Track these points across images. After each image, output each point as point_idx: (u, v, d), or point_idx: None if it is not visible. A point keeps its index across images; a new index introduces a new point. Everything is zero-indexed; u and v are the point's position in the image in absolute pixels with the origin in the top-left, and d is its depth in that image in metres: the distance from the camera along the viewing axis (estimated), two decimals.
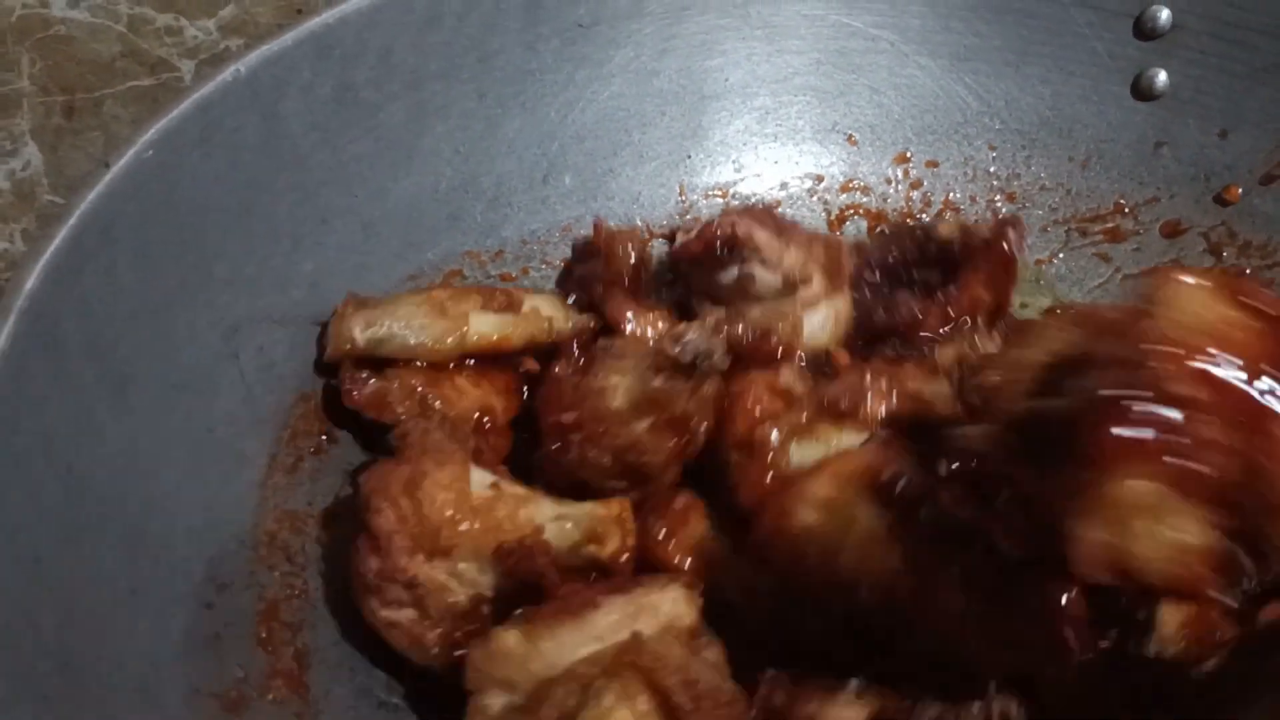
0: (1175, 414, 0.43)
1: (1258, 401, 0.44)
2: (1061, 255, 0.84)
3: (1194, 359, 0.44)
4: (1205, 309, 0.46)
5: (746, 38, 0.85)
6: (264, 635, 0.57)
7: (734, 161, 0.85)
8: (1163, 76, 0.83)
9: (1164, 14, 0.82)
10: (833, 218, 0.85)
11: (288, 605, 0.58)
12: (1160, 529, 0.43)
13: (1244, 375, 0.44)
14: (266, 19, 0.85)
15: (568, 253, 0.80)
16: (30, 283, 0.53)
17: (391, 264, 0.73)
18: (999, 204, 0.86)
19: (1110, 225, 0.84)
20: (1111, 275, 0.84)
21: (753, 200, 0.85)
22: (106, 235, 0.58)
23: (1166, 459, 0.43)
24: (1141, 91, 0.84)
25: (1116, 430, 0.43)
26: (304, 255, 0.69)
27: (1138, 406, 0.43)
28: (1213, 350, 0.44)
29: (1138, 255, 0.83)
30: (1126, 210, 0.84)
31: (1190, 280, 0.46)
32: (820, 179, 0.86)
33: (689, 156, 0.85)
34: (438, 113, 0.76)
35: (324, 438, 0.66)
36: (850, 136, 0.86)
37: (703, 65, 0.84)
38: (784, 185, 0.86)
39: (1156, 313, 0.45)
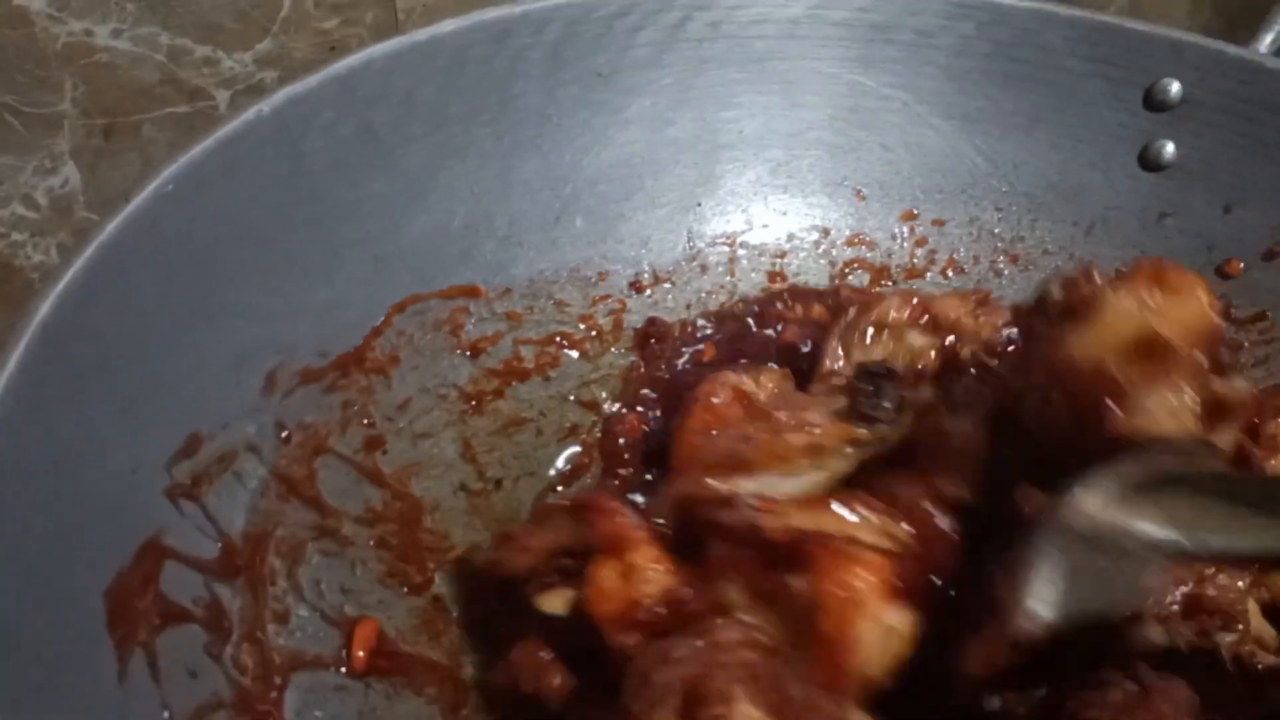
0: None
1: None
2: None
3: None
4: None
5: (763, 91, 0.87)
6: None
7: (744, 211, 0.88)
8: (1170, 148, 0.85)
9: (1174, 87, 0.84)
10: (836, 271, 0.87)
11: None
12: None
13: None
14: (302, 54, 0.89)
15: (575, 295, 0.82)
16: (44, 310, 0.56)
17: (399, 299, 0.76)
18: (1001, 265, 0.87)
19: None
20: None
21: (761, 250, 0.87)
22: (122, 265, 0.61)
23: None
24: (1149, 162, 0.86)
25: None
26: (315, 286, 0.72)
27: None
28: None
29: None
30: None
31: None
32: (827, 232, 0.88)
33: (699, 204, 0.87)
34: (456, 153, 0.79)
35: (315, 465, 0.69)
36: (859, 192, 0.88)
37: (718, 116, 0.86)
38: (791, 237, 0.88)
39: None
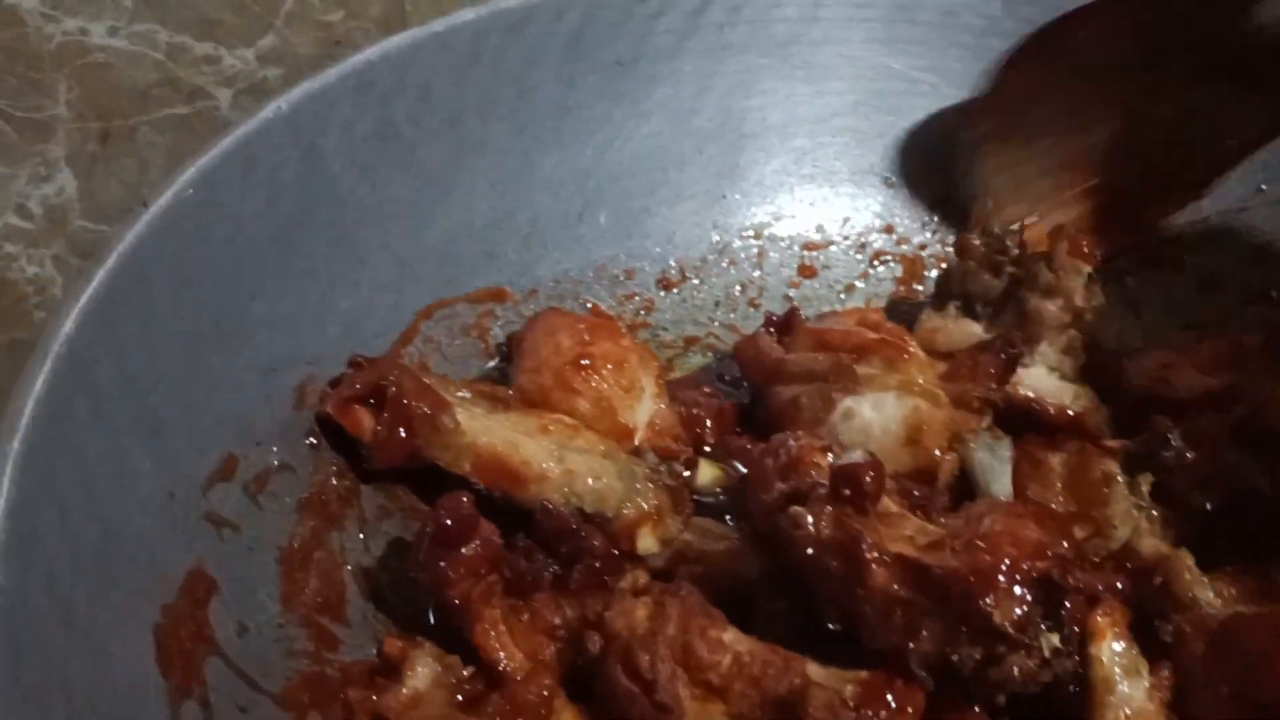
0: None
1: None
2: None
3: None
4: None
5: (787, 78, 0.84)
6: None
7: (770, 202, 0.85)
8: None
9: None
10: (867, 263, 0.84)
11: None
12: None
13: None
14: (305, 49, 0.85)
15: (602, 294, 0.79)
16: (67, 327, 0.53)
17: (425, 303, 0.73)
18: None
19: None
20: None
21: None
22: (143, 276, 0.58)
23: None
24: None
25: None
26: (340, 294, 0.69)
27: None
28: None
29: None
30: None
31: None
32: (855, 222, 0.85)
33: (725, 196, 0.84)
34: (475, 149, 0.76)
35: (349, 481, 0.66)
36: (887, 180, 0.85)
37: (742, 105, 0.83)
38: (820, 228, 0.85)
39: None
